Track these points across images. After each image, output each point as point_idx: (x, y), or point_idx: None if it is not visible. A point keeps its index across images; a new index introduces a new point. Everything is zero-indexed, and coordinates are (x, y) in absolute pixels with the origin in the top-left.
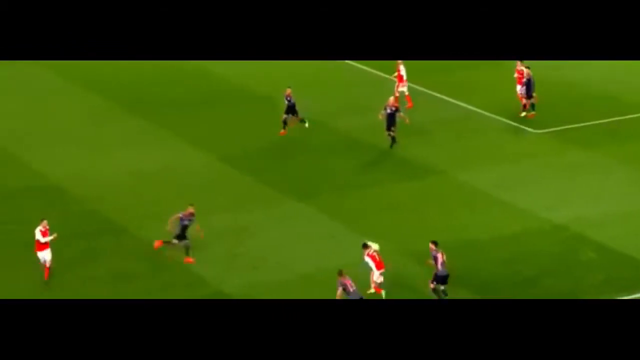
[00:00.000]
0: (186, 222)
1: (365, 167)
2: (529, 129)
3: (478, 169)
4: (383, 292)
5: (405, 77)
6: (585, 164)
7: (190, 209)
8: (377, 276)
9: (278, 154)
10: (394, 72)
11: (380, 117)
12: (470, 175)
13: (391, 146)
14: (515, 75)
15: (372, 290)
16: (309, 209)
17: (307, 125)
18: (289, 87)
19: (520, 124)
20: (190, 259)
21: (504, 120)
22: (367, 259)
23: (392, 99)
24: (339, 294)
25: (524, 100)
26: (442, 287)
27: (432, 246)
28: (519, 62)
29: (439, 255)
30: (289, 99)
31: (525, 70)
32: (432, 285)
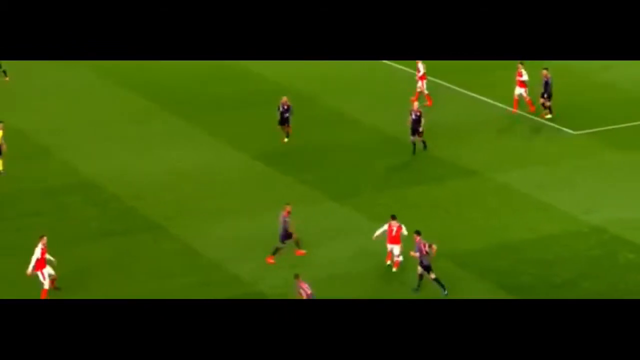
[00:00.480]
0: (288, 222)
1: (402, 167)
2: (568, 130)
3: (517, 170)
4: (390, 261)
5: (420, 74)
6: (624, 166)
7: (288, 208)
8: (396, 250)
9: (316, 153)
10: (420, 71)
11: (407, 124)
12: (509, 176)
13: (424, 148)
14: (517, 78)
15: (394, 269)
16: (346, 208)
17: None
18: (285, 96)
19: (559, 125)
20: (302, 251)
21: (542, 121)
22: (384, 228)
23: (416, 104)
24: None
25: (543, 101)
26: (420, 272)
27: (417, 237)
28: (520, 65)
29: (426, 247)
30: (285, 107)
31: (544, 72)
32: (432, 276)
